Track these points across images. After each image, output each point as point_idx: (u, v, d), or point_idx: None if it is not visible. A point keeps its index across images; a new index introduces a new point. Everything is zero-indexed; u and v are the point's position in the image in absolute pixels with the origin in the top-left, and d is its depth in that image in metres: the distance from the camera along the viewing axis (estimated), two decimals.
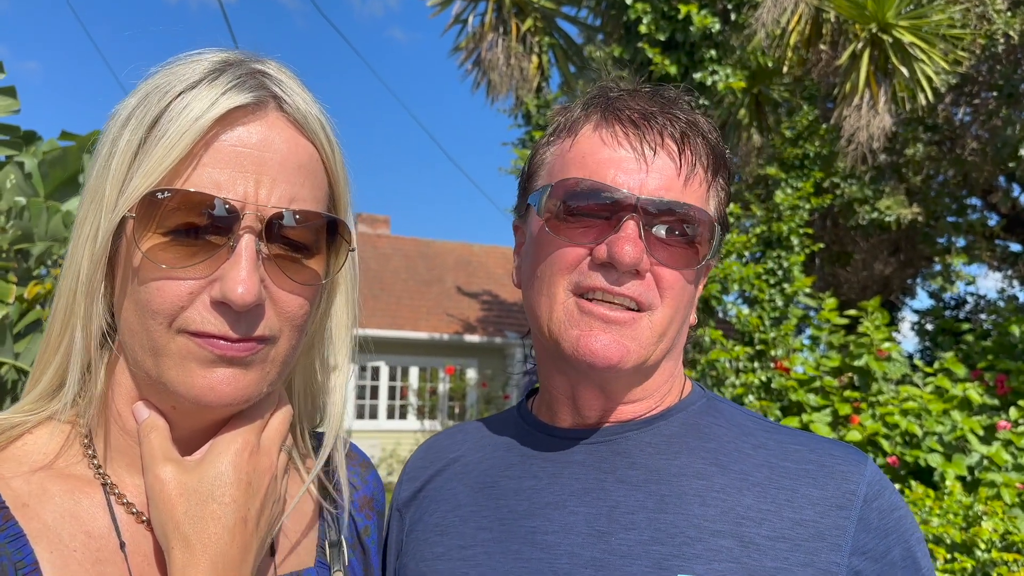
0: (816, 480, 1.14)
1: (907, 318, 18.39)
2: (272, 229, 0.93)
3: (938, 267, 16.91)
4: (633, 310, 1.15)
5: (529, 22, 10.86)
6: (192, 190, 0.91)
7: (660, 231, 1.15)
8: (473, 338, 18.92)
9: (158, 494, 0.94)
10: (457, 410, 18.81)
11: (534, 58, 10.84)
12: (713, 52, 8.93)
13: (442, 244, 23.38)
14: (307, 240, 0.97)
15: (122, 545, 0.95)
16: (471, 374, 19.25)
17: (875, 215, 14.27)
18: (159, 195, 0.91)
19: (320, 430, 1.24)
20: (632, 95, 1.23)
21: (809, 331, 8.83)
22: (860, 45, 9.05)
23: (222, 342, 0.91)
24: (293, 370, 1.14)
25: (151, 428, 0.98)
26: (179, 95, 0.94)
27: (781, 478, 1.15)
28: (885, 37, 8.94)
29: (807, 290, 9.58)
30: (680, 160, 1.17)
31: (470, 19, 11.29)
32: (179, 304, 0.91)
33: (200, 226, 0.91)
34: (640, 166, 1.16)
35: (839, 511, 1.11)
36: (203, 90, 0.94)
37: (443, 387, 18.70)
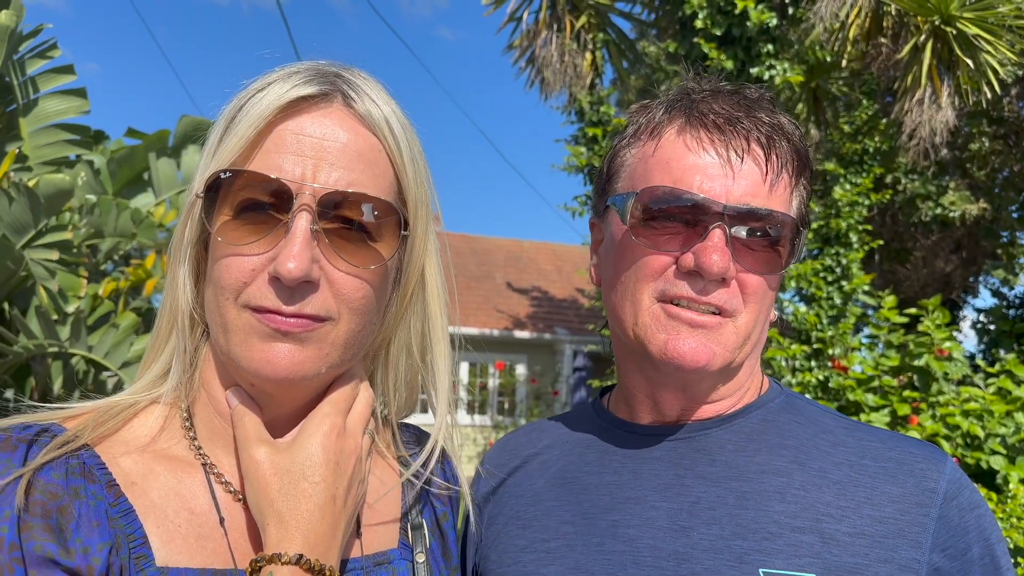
0: (896, 478, 1.15)
1: (968, 317, 17.89)
2: (326, 208, 0.98)
3: (1002, 261, 16.37)
4: (717, 314, 1.17)
5: (583, 19, 10.82)
6: (250, 170, 0.98)
7: (746, 237, 1.16)
8: (523, 334, 18.98)
9: (253, 474, 1.00)
10: (507, 405, 18.89)
11: (587, 55, 10.80)
12: (770, 47, 8.80)
13: (492, 240, 23.46)
14: (365, 223, 1.01)
15: (221, 521, 1.01)
16: (520, 370, 19.31)
17: (939, 211, 13.90)
18: (221, 175, 0.98)
19: (408, 421, 1.29)
20: (715, 96, 1.22)
21: (868, 330, 8.66)
22: (922, 38, 8.83)
23: (278, 317, 0.96)
24: (378, 362, 1.19)
25: (244, 412, 1.04)
26: (256, 92, 1.02)
27: (860, 475, 1.16)
28: (948, 29, 8.71)
29: (866, 288, 9.39)
30: (766, 166, 1.17)
31: (524, 16, 11.29)
32: (243, 280, 0.98)
33: (260, 205, 0.98)
34: (726, 172, 1.16)
35: (919, 508, 1.12)
36: (276, 86, 1.01)
37: (493, 382, 18.80)
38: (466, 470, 1.26)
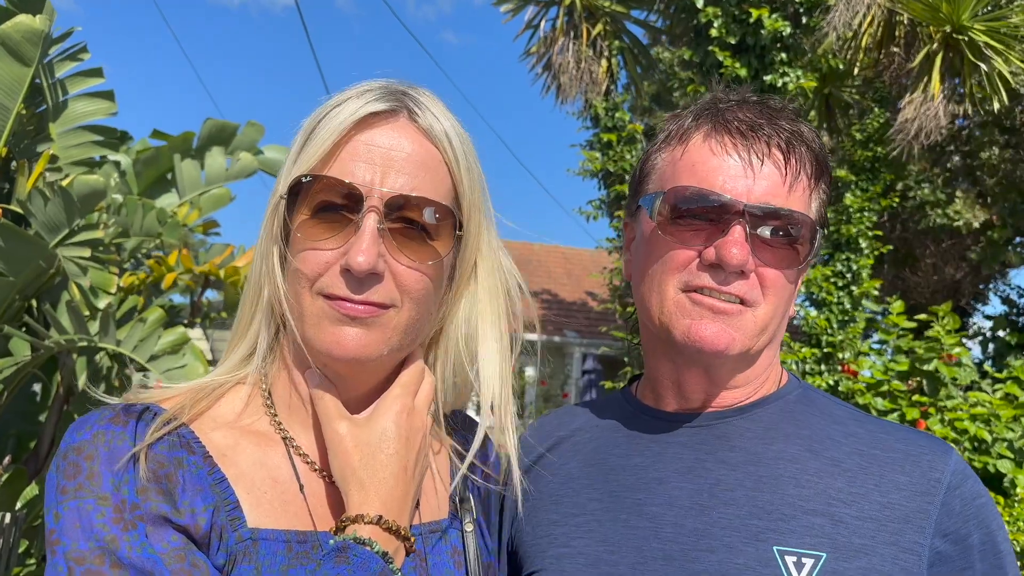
0: (903, 467, 1.23)
1: (977, 324, 17.81)
2: (391, 210, 1.11)
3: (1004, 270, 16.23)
4: (738, 303, 1.26)
5: (599, 26, 10.93)
6: (327, 175, 1.11)
7: (765, 234, 1.25)
8: (532, 337, 19.01)
9: (337, 446, 1.13)
10: (516, 407, 18.90)
11: (603, 61, 10.89)
12: (784, 55, 8.89)
13: (503, 243, 23.49)
14: (425, 223, 1.14)
15: (301, 488, 1.14)
16: (530, 372, 19.37)
17: (944, 219, 13.93)
18: (303, 180, 1.12)
19: (458, 409, 1.42)
20: (740, 106, 1.32)
21: (877, 335, 8.72)
22: (934, 47, 8.92)
23: (347, 304, 1.09)
24: (434, 351, 1.31)
25: (324, 391, 1.17)
26: (333, 107, 1.15)
27: (870, 464, 1.25)
28: (960, 38, 8.80)
29: (874, 293, 9.45)
30: (786, 168, 1.26)
31: (541, 24, 11.42)
32: (318, 271, 1.11)
33: (335, 206, 1.11)
34: (747, 174, 1.25)
35: (923, 496, 1.20)
36: (351, 102, 1.14)
37: None
38: None
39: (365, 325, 1.11)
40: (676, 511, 1.27)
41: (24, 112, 5.57)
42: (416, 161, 1.13)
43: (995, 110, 9.10)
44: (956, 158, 13.72)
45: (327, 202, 1.11)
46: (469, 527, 1.29)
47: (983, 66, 8.80)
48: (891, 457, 1.25)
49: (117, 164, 6.62)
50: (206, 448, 1.10)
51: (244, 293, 1.23)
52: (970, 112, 9.17)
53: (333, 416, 1.15)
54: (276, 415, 1.20)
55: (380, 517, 1.08)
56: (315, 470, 1.18)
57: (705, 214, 1.26)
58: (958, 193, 14.29)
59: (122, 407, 1.08)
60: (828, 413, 1.35)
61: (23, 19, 5.07)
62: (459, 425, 1.42)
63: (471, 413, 1.46)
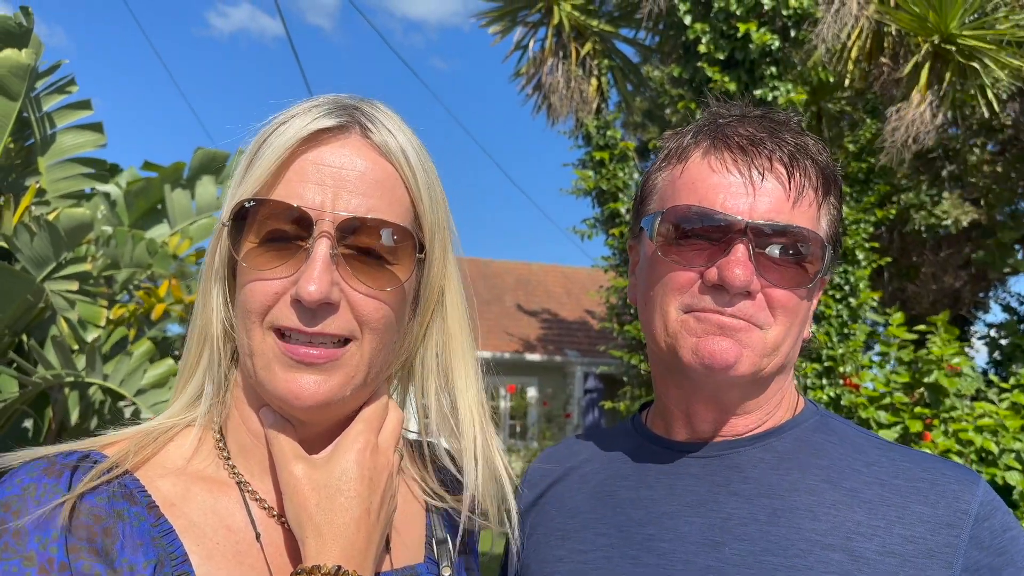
0: (927, 498, 1.16)
1: (979, 332, 17.68)
2: (345, 234, 1.03)
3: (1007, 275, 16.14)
4: (745, 321, 1.20)
5: (588, 45, 10.94)
6: (273, 199, 1.03)
7: (771, 252, 1.19)
8: (534, 356, 18.98)
9: (292, 489, 1.05)
10: (518, 428, 18.83)
11: (593, 80, 10.89)
12: (773, 69, 8.86)
13: (501, 264, 23.52)
14: (381, 248, 1.06)
15: (258, 537, 1.06)
16: (532, 392, 19.28)
17: (932, 220, 13.86)
18: (246, 204, 1.04)
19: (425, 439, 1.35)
20: (741, 120, 1.27)
21: (878, 347, 8.65)
22: (922, 57, 8.92)
23: (300, 349, 1.02)
24: (403, 383, 1.25)
25: (278, 431, 1.09)
26: (279, 125, 1.08)
27: (892, 495, 1.18)
28: (948, 47, 8.81)
29: (873, 304, 9.39)
30: (790, 183, 1.21)
31: (530, 44, 11.41)
32: (267, 303, 1.03)
33: (283, 232, 1.04)
34: (748, 190, 1.20)
35: (950, 529, 1.13)
36: (298, 119, 1.07)
37: (504, 405, 18.77)
38: None
39: (324, 371, 1.03)
40: (687, 547, 1.21)
41: (12, 146, 5.54)
42: (370, 180, 1.06)
43: (985, 116, 9.10)
44: (945, 167, 13.68)
45: (275, 228, 1.04)
46: (447, 572, 1.21)
47: (973, 74, 8.80)
48: (914, 487, 1.18)
49: (107, 196, 6.59)
50: (151, 497, 1.02)
51: (190, 329, 1.15)
52: (959, 119, 9.17)
53: (288, 457, 1.07)
54: (229, 458, 1.12)
55: (339, 568, 0.99)
56: (273, 516, 1.10)
57: (706, 234, 1.21)
58: (944, 194, 14.23)
59: (59, 456, 1.00)
60: (848, 441, 1.28)
61: (9, 54, 5.06)
62: (435, 460, 1.35)
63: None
